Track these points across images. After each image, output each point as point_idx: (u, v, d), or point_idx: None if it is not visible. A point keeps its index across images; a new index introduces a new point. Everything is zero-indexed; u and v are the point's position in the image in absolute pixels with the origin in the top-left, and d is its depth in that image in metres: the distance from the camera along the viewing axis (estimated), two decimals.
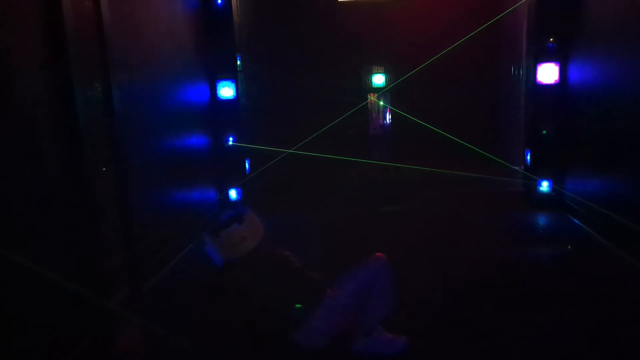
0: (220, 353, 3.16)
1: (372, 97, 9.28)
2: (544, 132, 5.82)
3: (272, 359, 3.09)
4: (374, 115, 9.58)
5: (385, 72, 8.97)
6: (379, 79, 8.95)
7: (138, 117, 4.26)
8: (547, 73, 5.70)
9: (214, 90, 6.18)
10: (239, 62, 6.25)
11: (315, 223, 5.69)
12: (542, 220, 5.65)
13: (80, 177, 3.30)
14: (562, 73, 5.66)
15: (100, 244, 3.53)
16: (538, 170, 5.96)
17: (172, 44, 5.15)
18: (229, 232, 3.16)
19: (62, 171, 3.19)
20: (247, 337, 3.31)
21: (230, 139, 6.28)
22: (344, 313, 3.00)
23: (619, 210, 4.50)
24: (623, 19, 4.55)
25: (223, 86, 6.17)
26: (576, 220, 5.40)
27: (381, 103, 9.47)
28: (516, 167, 6.76)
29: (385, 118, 9.58)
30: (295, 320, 3.04)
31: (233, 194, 6.38)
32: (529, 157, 6.09)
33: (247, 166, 6.54)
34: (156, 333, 3.12)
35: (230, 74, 6.17)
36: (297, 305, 3.05)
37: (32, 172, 2.93)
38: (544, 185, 5.92)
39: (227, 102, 6.19)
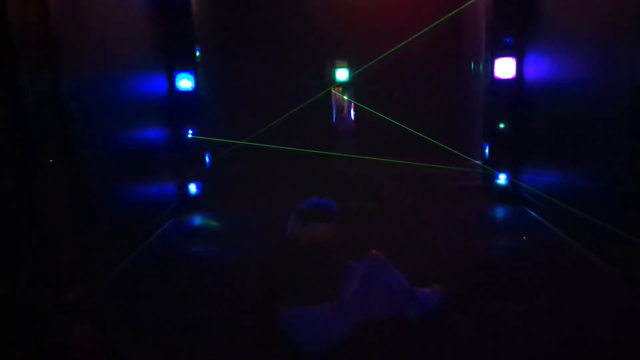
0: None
1: (335, 92, 9.27)
2: (502, 126, 5.92)
3: None
4: (337, 109, 9.58)
5: (349, 67, 8.97)
6: (342, 74, 8.94)
7: (90, 107, 4.12)
8: (505, 68, 5.80)
9: (172, 83, 6.04)
10: (198, 54, 6.13)
11: (276, 218, 5.64)
12: (498, 212, 5.76)
13: (26, 168, 3.17)
14: (519, 67, 5.77)
15: (52, 237, 3.42)
16: (496, 163, 6.07)
17: (128, 34, 5.00)
18: (315, 227, 3.24)
19: (6, 163, 3.05)
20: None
21: (190, 131, 6.16)
22: (350, 312, 2.95)
23: (572, 201, 4.62)
24: (574, 14, 4.65)
25: (182, 78, 6.03)
26: (532, 212, 5.52)
27: (345, 97, 9.48)
28: (477, 161, 6.86)
29: (349, 112, 9.60)
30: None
31: (193, 187, 6.27)
32: (487, 151, 6.18)
33: (207, 159, 6.44)
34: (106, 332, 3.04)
35: (189, 66, 6.03)
36: None
37: None
38: (502, 179, 6.03)
39: (186, 94, 6.06)
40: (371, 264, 3.05)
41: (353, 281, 3.02)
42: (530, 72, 5.63)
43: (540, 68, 5.43)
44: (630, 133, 3.67)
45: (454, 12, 6.52)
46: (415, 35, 6.40)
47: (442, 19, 6.42)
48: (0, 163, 3.01)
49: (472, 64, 7.63)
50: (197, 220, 5.89)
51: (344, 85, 9.15)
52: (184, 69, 6.00)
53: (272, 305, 3.00)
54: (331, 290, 2.99)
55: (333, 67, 9.01)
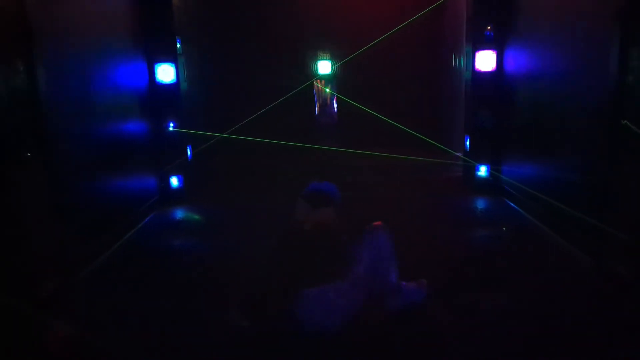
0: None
1: (317, 84, 9.25)
2: (482, 118, 5.97)
3: None
4: (320, 102, 9.56)
5: (331, 59, 8.94)
6: (324, 66, 8.92)
7: (67, 100, 4.06)
8: (485, 60, 5.84)
9: (153, 75, 5.97)
10: (179, 46, 6.06)
11: (260, 209, 5.65)
12: (479, 203, 5.82)
13: (2, 164, 3.12)
14: (499, 60, 5.82)
15: (25, 232, 3.37)
16: (476, 155, 6.13)
17: (106, 24, 4.92)
18: (319, 210, 3.39)
19: None
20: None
21: (171, 124, 6.10)
22: (366, 284, 3.11)
23: (550, 193, 4.69)
24: (553, 7, 4.70)
25: (162, 70, 5.96)
26: (512, 204, 5.60)
27: (327, 90, 9.46)
28: (458, 153, 6.92)
29: (331, 105, 9.59)
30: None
31: (175, 181, 6.22)
32: (468, 143, 6.24)
33: (189, 152, 6.39)
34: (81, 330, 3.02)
35: (170, 58, 5.96)
36: None
37: None
38: (482, 170, 6.10)
39: (167, 86, 5.99)
40: (376, 235, 3.20)
41: (363, 254, 3.15)
42: (511, 65, 5.69)
43: (520, 61, 5.49)
44: (607, 125, 3.73)
45: (435, 4, 6.55)
46: (397, 27, 6.41)
47: (424, 12, 6.45)
48: None
49: (454, 57, 7.68)
50: (179, 213, 5.85)
51: (326, 78, 9.13)
52: (164, 60, 5.93)
53: (288, 288, 3.07)
54: (341, 269, 3.12)
55: (315, 59, 8.98)
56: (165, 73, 5.96)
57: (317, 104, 9.52)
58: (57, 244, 3.75)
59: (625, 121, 3.48)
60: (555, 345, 2.91)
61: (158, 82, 5.96)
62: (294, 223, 3.44)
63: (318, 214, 3.40)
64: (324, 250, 3.17)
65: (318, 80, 9.13)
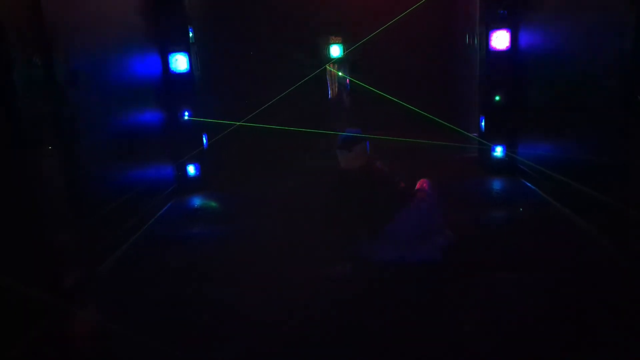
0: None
1: (330, 69, 9.21)
2: (497, 98, 5.92)
3: None
4: (333, 86, 9.52)
5: (343, 43, 8.89)
6: (336, 50, 8.87)
7: (85, 91, 4.11)
8: (499, 40, 5.78)
9: (166, 64, 6.01)
10: (191, 34, 6.08)
11: (276, 194, 5.72)
12: (496, 184, 5.80)
13: (23, 155, 3.18)
14: (513, 39, 5.75)
15: (49, 224, 3.44)
16: (492, 136, 6.09)
17: (120, 16, 4.96)
18: (361, 146, 4.07)
19: (2, 151, 3.06)
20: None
21: (186, 113, 6.15)
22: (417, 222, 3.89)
23: (568, 173, 4.66)
24: None
25: (176, 59, 6.00)
26: (529, 184, 5.57)
27: (340, 74, 9.41)
28: (472, 134, 6.87)
29: (345, 89, 9.54)
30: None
31: (191, 169, 6.30)
32: (483, 124, 6.20)
33: (204, 141, 6.44)
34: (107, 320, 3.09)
35: (182, 47, 6.00)
36: None
37: None
38: (498, 151, 6.06)
39: (181, 75, 6.03)
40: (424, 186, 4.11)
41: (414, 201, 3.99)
42: (525, 44, 5.61)
43: (535, 39, 5.42)
44: (625, 102, 3.68)
45: None
46: (410, 9, 6.35)
47: None
48: None
49: (467, 37, 7.58)
50: (197, 201, 5.92)
51: (338, 62, 9.08)
52: (178, 50, 5.96)
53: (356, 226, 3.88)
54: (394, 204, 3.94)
55: (327, 44, 8.93)
56: (179, 62, 6.00)
57: (330, 89, 9.49)
58: (79, 235, 3.83)
59: None
60: (576, 325, 2.92)
61: (172, 72, 6.01)
62: (341, 171, 4.11)
63: (354, 154, 4.05)
64: (371, 186, 3.91)
65: (331, 65, 9.09)
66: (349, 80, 9.22)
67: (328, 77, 9.31)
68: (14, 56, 3.14)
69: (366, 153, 4.10)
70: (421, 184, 4.24)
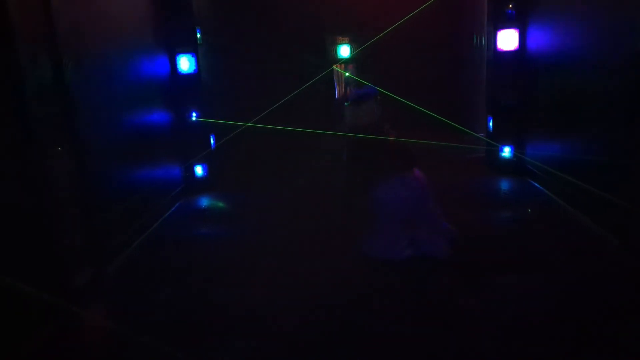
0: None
1: (337, 69, 9.21)
2: (505, 98, 5.90)
3: None
4: (340, 87, 9.52)
5: (350, 43, 8.88)
6: (343, 50, 8.87)
7: (94, 92, 4.15)
8: (507, 39, 5.75)
9: (174, 65, 6.04)
10: (198, 35, 6.10)
11: (283, 195, 5.74)
12: (504, 185, 5.78)
13: (33, 156, 3.21)
14: (522, 39, 5.72)
15: (59, 224, 3.47)
16: (500, 136, 6.07)
17: (128, 18, 4.99)
18: (367, 103, 4.11)
19: (12, 151, 3.09)
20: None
21: (194, 114, 6.17)
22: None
23: (576, 173, 4.63)
24: None
25: (183, 60, 6.02)
26: (536, 184, 5.54)
27: (347, 74, 9.41)
28: (480, 135, 6.85)
29: (352, 89, 9.53)
30: None
31: (199, 170, 6.32)
32: (491, 124, 6.18)
33: (212, 141, 6.46)
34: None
35: (190, 48, 6.02)
36: None
37: None
38: (506, 151, 6.04)
39: (189, 76, 6.05)
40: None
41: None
42: (534, 43, 5.59)
43: (543, 39, 5.39)
44: (636, 104, 3.66)
45: None
46: (417, 9, 6.34)
47: None
48: (6, 149, 3.04)
49: (474, 37, 7.56)
50: (205, 201, 5.95)
51: (346, 62, 9.08)
52: (185, 51, 5.99)
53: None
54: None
55: (335, 44, 8.93)
56: (186, 63, 6.02)
57: (337, 89, 9.49)
58: (88, 235, 3.86)
59: None
60: (584, 323, 2.91)
61: (180, 73, 6.04)
62: (350, 127, 4.13)
63: (363, 110, 4.10)
64: (378, 147, 3.97)
65: (338, 65, 9.09)
66: (356, 80, 9.21)
67: (335, 77, 9.32)
68: (24, 57, 3.17)
69: (375, 112, 4.12)
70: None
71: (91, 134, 4.00)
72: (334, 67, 8.99)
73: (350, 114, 4.22)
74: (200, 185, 6.26)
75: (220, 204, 5.94)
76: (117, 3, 4.76)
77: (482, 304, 3.23)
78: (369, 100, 4.12)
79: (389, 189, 3.89)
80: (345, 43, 8.94)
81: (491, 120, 6.17)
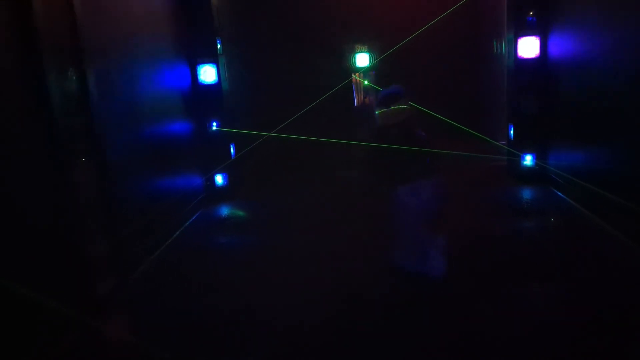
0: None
1: (356, 77, 9.23)
2: (526, 106, 5.84)
3: None
4: (359, 95, 9.54)
5: (369, 51, 8.90)
6: (362, 59, 8.88)
7: (117, 104, 4.22)
8: (528, 47, 5.70)
9: (195, 75, 6.11)
10: (219, 46, 6.17)
11: (303, 204, 5.75)
12: (526, 193, 5.70)
13: (58, 167, 3.27)
14: (543, 46, 5.66)
15: (83, 234, 3.52)
16: (521, 144, 6.00)
17: (150, 29, 5.07)
18: (399, 104, 4.01)
19: (39, 162, 3.15)
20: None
21: (214, 124, 6.23)
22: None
23: (599, 182, 4.56)
24: None
25: (204, 71, 6.10)
26: (559, 193, 5.46)
27: (366, 82, 9.42)
28: (500, 143, 6.78)
29: (370, 98, 9.54)
30: None
31: (219, 179, 6.37)
32: (512, 132, 6.11)
33: (232, 151, 6.51)
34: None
35: (211, 58, 6.09)
36: None
37: (6, 163, 2.89)
38: (528, 160, 5.97)
39: (209, 86, 6.13)
40: None
41: None
42: (556, 51, 5.52)
43: (566, 46, 5.32)
44: None
45: None
46: (436, 18, 6.32)
47: (462, 0, 6.33)
48: (32, 162, 3.09)
49: (495, 44, 7.52)
50: (225, 210, 5.98)
51: (364, 71, 9.10)
52: (206, 61, 6.06)
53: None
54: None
55: (353, 53, 8.96)
56: (207, 74, 6.09)
57: (356, 97, 9.51)
58: (112, 244, 3.91)
59: None
60: (609, 334, 2.85)
61: (200, 83, 6.11)
62: (380, 128, 4.08)
63: (393, 111, 4.02)
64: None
65: (357, 74, 9.11)
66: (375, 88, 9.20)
67: (354, 85, 9.33)
68: (51, 70, 3.23)
69: (405, 112, 4.04)
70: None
71: (114, 144, 4.06)
72: (353, 75, 9.01)
73: (379, 115, 4.16)
74: (221, 194, 6.30)
75: (241, 213, 5.96)
76: (139, 15, 4.85)
77: (501, 310, 3.19)
78: (398, 99, 4.05)
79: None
80: (363, 51, 8.96)
81: (512, 128, 6.10)
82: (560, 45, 5.41)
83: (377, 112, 4.12)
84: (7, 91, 2.94)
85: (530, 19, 5.66)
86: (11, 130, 2.94)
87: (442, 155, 6.73)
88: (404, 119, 4.01)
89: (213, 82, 6.11)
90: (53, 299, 2.95)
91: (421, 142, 3.97)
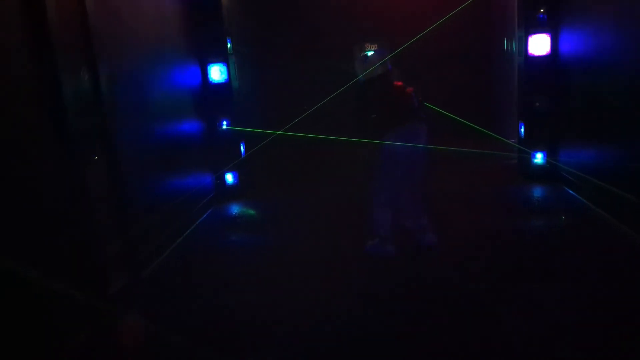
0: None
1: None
2: (537, 104, 5.81)
3: None
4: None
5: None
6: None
7: (128, 103, 4.25)
8: (539, 44, 5.68)
9: (205, 75, 6.16)
10: (229, 45, 6.20)
11: (312, 202, 5.77)
12: (537, 191, 5.68)
13: (72, 166, 3.31)
14: (554, 44, 5.63)
15: (96, 232, 3.56)
16: (532, 142, 5.97)
17: (161, 29, 5.11)
18: (377, 55, 4.44)
19: (53, 161, 3.19)
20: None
21: (224, 122, 6.27)
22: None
23: (612, 179, 4.53)
24: None
25: (214, 70, 6.14)
26: (570, 191, 5.43)
27: None
28: (511, 141, 6.75)
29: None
30: None
31: (229, 177, 6.41)
32: (522, 130, 6.09)
33: (242, 149, 6.54)
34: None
35: (221, 58, 6.13)
36: None
37: (21, 163, 2.94)
38: (538, 157, 5.94)
39: (219, 85, 6.17)
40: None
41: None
42: (566, 48, 5.49)
43: (577, 43, 5.29)
44: None
45: None
46: (447, 16, 6.30)
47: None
48: (43, 160, 3.13)
49: (505, 42, 7.48)
50: (235, 208, 6.02)
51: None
52: (216, 61, 6.10)
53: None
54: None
55: (363, 51, 8.91)
56: (217, 73, 6.13)
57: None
58: (124, 242, 3.95)
59: None
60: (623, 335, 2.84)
61: (211, 82, 6.15)
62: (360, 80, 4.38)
63: (371, 62, 4.40)
64: (387, 93, 4.26)
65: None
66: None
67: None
68: (63, 71, 3.27)
69: (385, 64, 4.41)
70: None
71: (126, 143, 4.10)
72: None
73: (358, 66, 4.54)
74: (231, 193, 6.34)
75: (251, 211, 5.99)
76: (150, 15, 4.89)
77: (514, 310, 3.19)
78: (376, 54, 4.44)
79: (400, 134, 4.12)
80: (372, 50, 8.91)
81: (522, 126, 6.08)
82: (571, 42, 5.38)
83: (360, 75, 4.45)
84: (22, 91, 2.98)
85: (541, 16, 5.63)
86: (26, 130, 2.98)
87: (451, 153, 6.76)
88: (382, 71, 4.35)
89: (223, 81, 6.15)
90: (65, 297, 3.00)
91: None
